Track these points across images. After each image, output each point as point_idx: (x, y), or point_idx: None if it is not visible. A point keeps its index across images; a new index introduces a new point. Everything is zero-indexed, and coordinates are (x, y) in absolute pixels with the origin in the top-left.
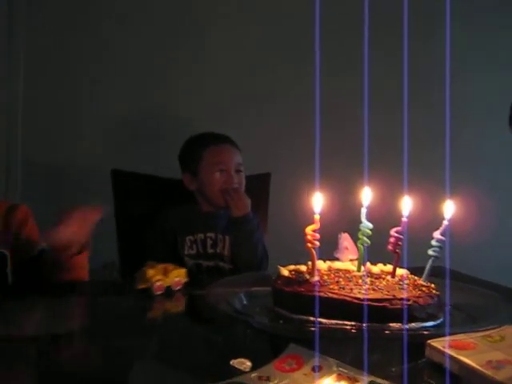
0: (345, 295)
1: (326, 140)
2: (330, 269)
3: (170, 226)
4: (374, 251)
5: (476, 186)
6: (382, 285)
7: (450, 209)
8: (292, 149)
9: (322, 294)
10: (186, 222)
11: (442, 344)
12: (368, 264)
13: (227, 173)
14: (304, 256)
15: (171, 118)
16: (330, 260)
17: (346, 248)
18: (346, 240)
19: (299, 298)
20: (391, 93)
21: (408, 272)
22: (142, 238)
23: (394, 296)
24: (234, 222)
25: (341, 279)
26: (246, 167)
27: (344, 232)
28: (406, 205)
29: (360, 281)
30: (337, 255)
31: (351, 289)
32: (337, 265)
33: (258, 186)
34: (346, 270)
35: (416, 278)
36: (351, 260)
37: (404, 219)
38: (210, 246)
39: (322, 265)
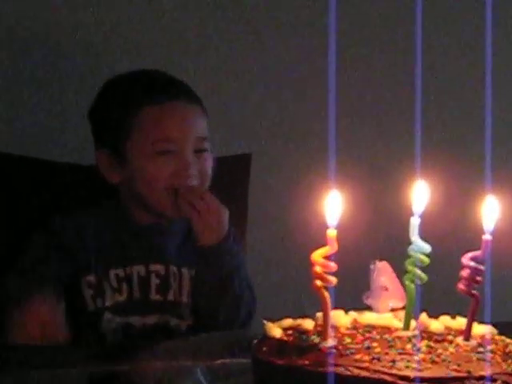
0: (382, 372)
1: (348, 101)
2: (355, 325)
3: (68, 250)
4: (433, 293)
5: None
6: (447, 353)
7: None
8: (284, 120)
9: (341, 370)
10: (106, 242)
11: None
12: (424, 316)
13: (179, 156)
14: (310, 301)
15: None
16: (355, 309)
17: (385, 288)
18: (383, 274)
19: (301, 378)
20: None
21: (494, 330)
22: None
23: (468, 373)
24: (199, 253)
25: (375, 344)
26: (217, 145)
27: (380, 260)
28: (491, 213)
29: (409, 346)
30: (368, 301)
31: (393, 361)
32: (368, 318)
33: (233, 172)
34: (385, 328)
35: (508, 340)
36: (394, 310)
37: (486, 237)
38: (156, 288)
39: (341, 318)
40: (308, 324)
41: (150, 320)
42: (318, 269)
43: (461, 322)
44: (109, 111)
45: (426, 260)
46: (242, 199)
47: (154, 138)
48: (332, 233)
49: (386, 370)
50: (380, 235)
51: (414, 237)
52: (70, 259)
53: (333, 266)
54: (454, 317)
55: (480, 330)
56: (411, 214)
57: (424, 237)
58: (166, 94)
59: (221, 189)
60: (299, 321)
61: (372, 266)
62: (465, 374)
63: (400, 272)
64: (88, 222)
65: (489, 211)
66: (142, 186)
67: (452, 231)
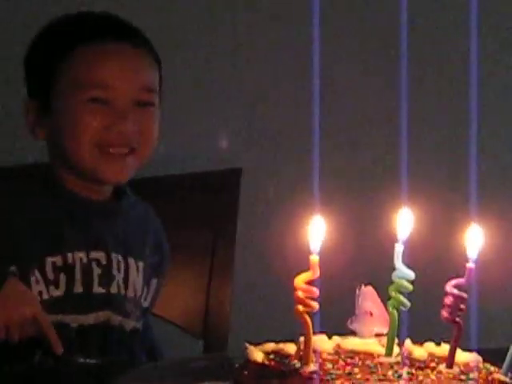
0: None
1: (330, 129)
2: (338, 350)
3: None
4: (419, 320)
5: None
6: (428, 381)
7: None
8: (276, 137)
9: None
10: (38, 223)
11: None
12: (408, 343)
13: (114, 106)
14: (293, 326)
15: None
16: (338, 334)
17: (370, 313)
18: (369, 299)
19: None
20: None
21: (478, 358)
22: None
23: None
24: None
25: (356, 370)
26: (205, 158)
27: (366, 284)
28: (473, 239)
29: (390, 373)
30: (352, 326)
31: None
32: (351, 343)
33: (223, 187)
34: (368, 354)
35: (491, 368)
36: (378, 335)
37: (470, 265)
38: (98, 280)
39: (324, 343)
40: (290, 348)
41: (89, 319)
42: (300, 294)
43: (445, 349)
44: (39, 54)
45: (410, 287)
46: (232, 215)
47: (86, 82)
48: (314, 258)
49: None
50: (364, 261)
51: (398, 263)
52: None
53: (315, 291)
54: (438, 344)
55: (464, 357)
56: (395, 241)
57: (408, 263)
58: (103, 33)
59: (209, 205)
60: (281, 345)
61: (358, 291)
62: None
63: (384, 297)
64: (17, 199)
65: (472, 239)
66: (68, 140)
67: (436, 258)
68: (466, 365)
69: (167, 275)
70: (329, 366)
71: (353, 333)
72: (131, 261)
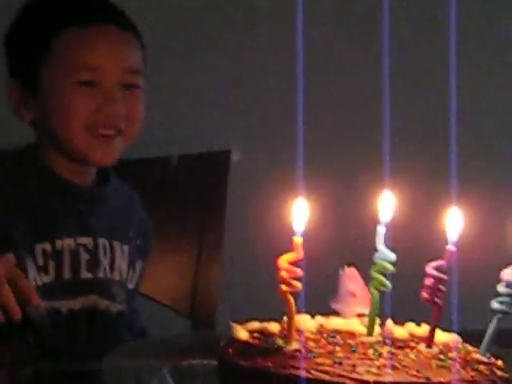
0: (342, 376)
1: (315, 112)
2: (320, 330)
3: None
4: (399, 301)
5: None
6: (408, 360)
7: None
8: (262, 119)
9: (302, 372)
10: (29, 208)
11: None
12: (389, 323)
13: (102, 88)
14: (277, 306)
15: None
16: (322, 314)
17: (353, 294)
18: (352, 280)
19: (264, 380)
20: None
21: (458, 338)
22: None
23: (427, 379)
24: None
25: (338, 348)
26: (192, 141)
27: (348, 265)
28: (454, 222)
29: (371, 352)
30: (335, 306)
31: (354, 365)
32: (334, 323)
33: (211, 170)
34: (350, 333)
35: (470, 348)
36: (360, 316)
37: (450, 248)
38: (86, 265)
39: (307, 322)
40: (274, 327)
41: (77, 304)
42: (283, 274)
43: (425, 329)
44: (25, 32)
45: (391, 268)
46: (221, 197)
47: (74, 64)
48: (298, 239)
49: (346, 373)
50: (347, 242)
51: (380, 245)
52: None
53: (298, 271)
54: (419, 324)
55: (444, 337)
56: (378, 223)
57: (390, 245)
58: (91, 15)
59: (198, 186)
60: (265, 324)
61: (341, 272)
62: (423, 380)
63: (367, 278)
64: (8, 184)
65: (453, 222)
66: (58, 124)
67: (418, 240)
68: (446, 345)
69: (150, 254)
70: (311, 344)
71: (336, 313)
72: (116, 244)
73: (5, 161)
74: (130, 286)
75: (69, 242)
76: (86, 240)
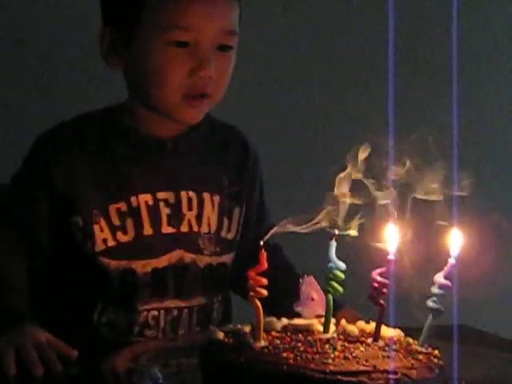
0: (303, 367)
1: None
2: (285, 329)
3: (53, 185)
4: (351, 303)
5: (498, 209)
6: (358, 352)
7: (457, 241)
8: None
9: (269, 365)
10: (103, 168)
11: None
12: (343, 322)
13: (197, 50)
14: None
15: None
16: (286, 316)
17: (312, 298)
18: (310, 286)
19: (237, 373)
20: None
21: (401, 333)
22: None
23: (374, 367)
24: None
25: (299, 344)
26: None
27: (308, 275)
28: (393, 235)
29: (327, 346)
30: (298, 309)
31: (313, 358)
32: (297, 323)
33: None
34: (309, 332)
35: (410, 341)
36: (318, 316)
37: (390, 257)
38: (167, 220)
39: (274, 323)
40: (246, 328)
41: (163, 262)
42: (251, 282)
43: (373, 326)
44: None
45: (342, 276)
46: None
47: (168, 24)
48: (263, 253)
49: (305, 365)
50: (307, 254)
51: (332, 256)
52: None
53: (263, 280)
54: (368, 322)
55: (389, 332)
56: (331, 238)
57: (342, 255)
58: None
59: None
60: (239, 326)
61: (301, 280)
62: (371, 369)
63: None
64: (78, 149)
65: (393, 235)
66: (152, 85)
67: (365, 252)
68: (390, 338)
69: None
70: (277, 341)
71: (298, 314)
72: (206, 196)
73: (90, 123)
74: (229, 236)
75: (146, 199)
76: (166, 194)
